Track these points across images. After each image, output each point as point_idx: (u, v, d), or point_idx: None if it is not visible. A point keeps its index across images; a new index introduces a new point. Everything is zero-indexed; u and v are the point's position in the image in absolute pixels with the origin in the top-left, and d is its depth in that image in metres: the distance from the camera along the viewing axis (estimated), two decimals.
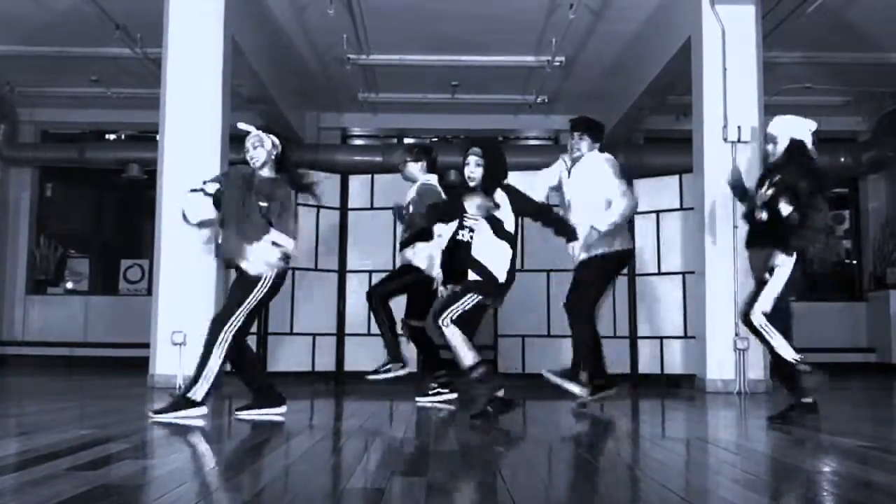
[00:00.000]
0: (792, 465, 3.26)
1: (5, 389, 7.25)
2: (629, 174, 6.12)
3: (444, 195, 6.02)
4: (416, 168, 6.30)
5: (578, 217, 5.54)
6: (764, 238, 4.72)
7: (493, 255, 4.69)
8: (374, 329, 8.41)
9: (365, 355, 8.50)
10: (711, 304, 7.16)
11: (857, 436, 4.13)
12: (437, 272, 5.25)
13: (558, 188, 5.90)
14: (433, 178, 6.29)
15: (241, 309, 4.66)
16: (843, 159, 11.20)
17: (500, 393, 4.67)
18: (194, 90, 7.38)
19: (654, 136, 11.91)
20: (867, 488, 2.75)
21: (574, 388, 5.45)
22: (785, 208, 4.62)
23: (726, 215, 7.13)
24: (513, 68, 10.31)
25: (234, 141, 9.37)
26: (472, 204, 4.68)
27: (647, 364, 7.96)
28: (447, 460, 3.28)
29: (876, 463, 3.26)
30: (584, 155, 5.74)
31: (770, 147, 4.92)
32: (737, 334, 6.91)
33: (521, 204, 4.82)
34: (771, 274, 4.63)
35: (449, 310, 4.60)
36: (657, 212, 7.98)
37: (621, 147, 10.72)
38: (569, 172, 5.79)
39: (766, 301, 4.63)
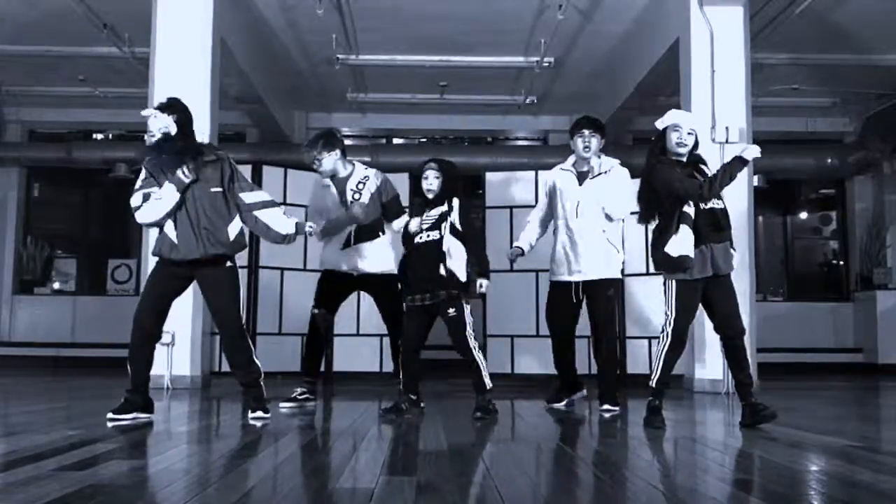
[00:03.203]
0: (779, 464, 3.28)
1: None
2: None
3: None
4: (332, 159, 5.66)
5: (591, 224, 5.40)
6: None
7: (459, 255, 4.88)
8: (363, 329, 8.47)
9: (353, 355, 8.53)
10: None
11: (843, 435, 4.16)
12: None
13: (552, 197, 5.61)
14: (372, 169, 5.87)
15: (242, 307, 4.67)
16: (829, 160, 11.28)
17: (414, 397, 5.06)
18: (182, 90, 7.21)
19: (642, 136, 11.93)
20: (853, 487, 2.77)
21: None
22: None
23: None
24: (502, 69, 10.32)
25: (223, 141, 9.40)
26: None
27: (636, 364, 7.98)
28: (436, 460, 3.28)
29: (862, 462, 3.27)
30: (603, 160, 5.48)
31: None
32: None
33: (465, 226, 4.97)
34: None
35: (470, 334, 4.86)
36: None
37: (610, 148, 10.75)
38: (579, 180, 5.47)
39: None
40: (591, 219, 5.40)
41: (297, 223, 4.70)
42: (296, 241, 4.83)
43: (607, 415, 5.21)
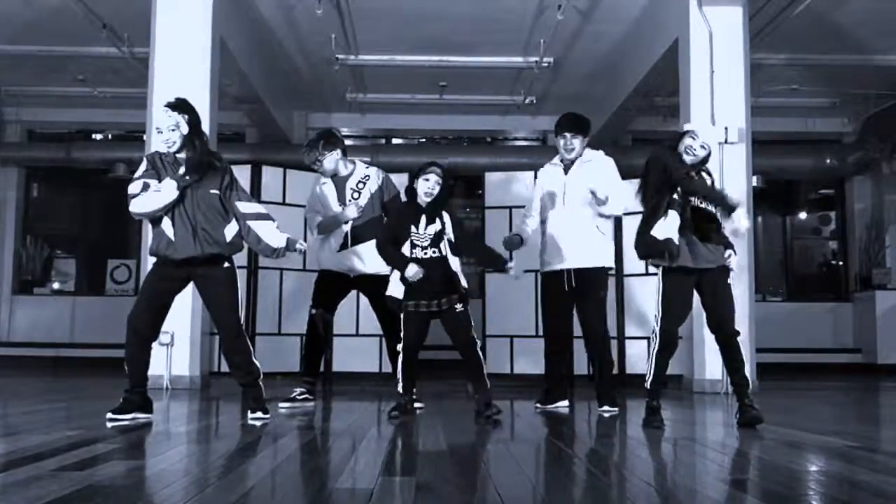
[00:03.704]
0: (779, 464, 3.28)
1: None
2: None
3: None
4: (333, 159, 5.69)
5: (578, 211, 5.41)
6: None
7: (458, 266, 4.93)
8: (362, 330, 8.46)
9: (352, 356, 8.52)
10: (698, 304, 7.15)
11: (842, 435, 4.15)
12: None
13: (549, 194, 5.61)
14: (373, 167, 5.91)
15: (241, 309, 4.66)
16: (828, 161, 11.28)
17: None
18: (181, 90, 7.22)
19: (641, 136, 11.95)
20: (853, 487, 2.77)
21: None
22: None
23: None
24: (501, 69, 10.32)
25: (223, 141, 9.39)
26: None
27: (635, 364, 7.98)
28: (435, 460, 3.28)
29: (862, 462, 3.27)
30: (585, 153, 5.52)
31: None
32: None
33: (459, 233, 5.00)
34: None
35: (474, 334, 4.94)
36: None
37: (609, 148, 10.74)
38: (565, 170, 5.51)
39: None
40: (578, 206, 5.42)
41: (288, 238, 4.67)
42: (286, 255, 4.77)
43: (606, 415, 5.21)
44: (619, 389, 5.83)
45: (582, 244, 5.38)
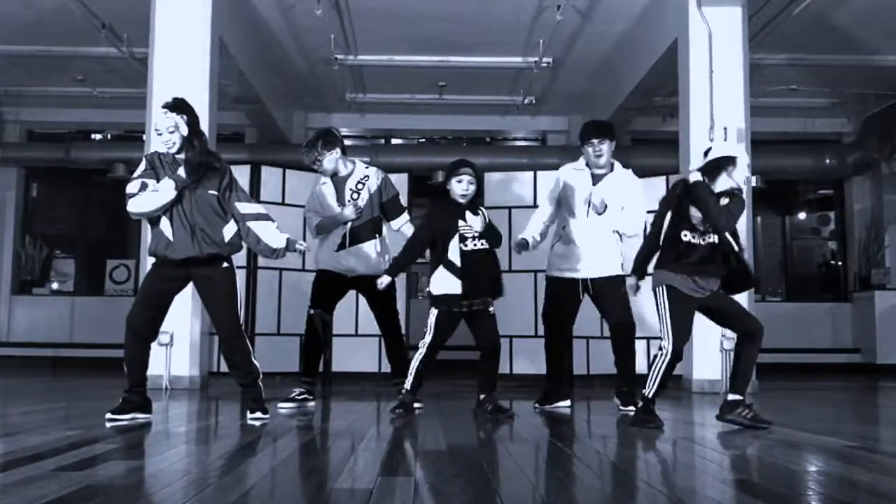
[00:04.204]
0: (778, 464, 3.28)
1: None
2: None
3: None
4: (333, 158, 5.70)
5: (602, 222, 5.40)
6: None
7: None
8: (362, 330, 8.45)
9: (352, 356, 8.51)
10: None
11: (841, 435, 4.16)
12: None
13: (561, 197, 5.59)
14: (373, 167, 5.93)
15: (240, 309, 4.67)
16: (828, 161, 11.29)
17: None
18: (181, 90, 7.23)
19: (640, 137, 11.95)
20: (852, 487, 2.77)
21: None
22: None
23: None
24: (500, 69, 10.32)
25: (222, 141, 9.39)
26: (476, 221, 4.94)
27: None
28: (435, 461, 3.28)
29: (861, 462, 3.28)
30: (617, 169, 5.49)
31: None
32: (723, 335, 6.93)
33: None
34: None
35: None
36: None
37: None
38: (594, 180, 5.45)
39: None
40: (603, 217, 5.41)
41: (288, 239, 4.66)
42: (285, 256, 4.76)
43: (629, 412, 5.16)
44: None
45: (601, 254, 5.41)
